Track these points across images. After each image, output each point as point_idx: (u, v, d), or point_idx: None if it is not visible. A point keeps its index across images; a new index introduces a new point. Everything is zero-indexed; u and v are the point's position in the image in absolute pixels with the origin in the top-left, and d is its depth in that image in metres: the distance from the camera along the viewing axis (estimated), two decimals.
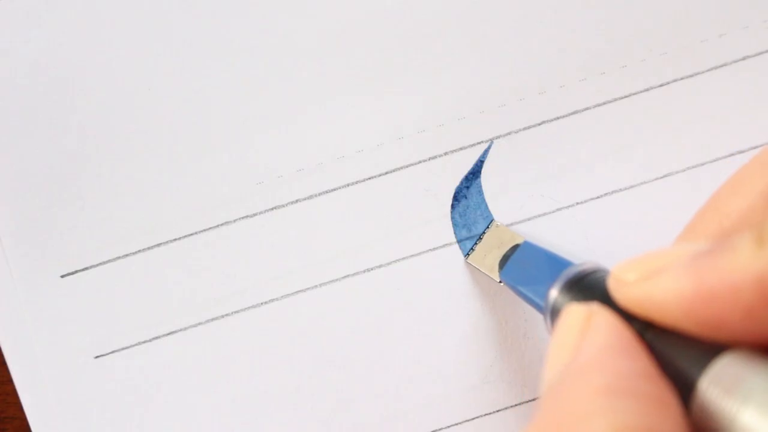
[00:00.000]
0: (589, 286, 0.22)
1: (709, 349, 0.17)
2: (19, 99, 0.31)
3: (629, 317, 0.19)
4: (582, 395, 0.17)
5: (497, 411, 0.31)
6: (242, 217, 0.31)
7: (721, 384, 0.17)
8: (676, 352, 0.18)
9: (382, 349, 0.31)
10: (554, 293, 0.22)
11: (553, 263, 0.26)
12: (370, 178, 0.31)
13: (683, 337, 0.18)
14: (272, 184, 0.31)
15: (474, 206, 0.31)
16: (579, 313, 0.20)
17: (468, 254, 0.31)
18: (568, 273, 0.23)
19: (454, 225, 0.31)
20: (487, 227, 0.30)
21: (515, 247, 0.29)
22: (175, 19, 0.31)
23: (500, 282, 0.29)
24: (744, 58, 0.30)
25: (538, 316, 0.31)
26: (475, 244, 0.30)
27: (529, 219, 0.31)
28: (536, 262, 0.27)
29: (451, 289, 0.31)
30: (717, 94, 0.30)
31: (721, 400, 0.16)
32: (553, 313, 0.22)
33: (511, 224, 0.31)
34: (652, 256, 0.19)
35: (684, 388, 0.17)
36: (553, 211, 0.31)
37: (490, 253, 0.30)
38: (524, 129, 0.31)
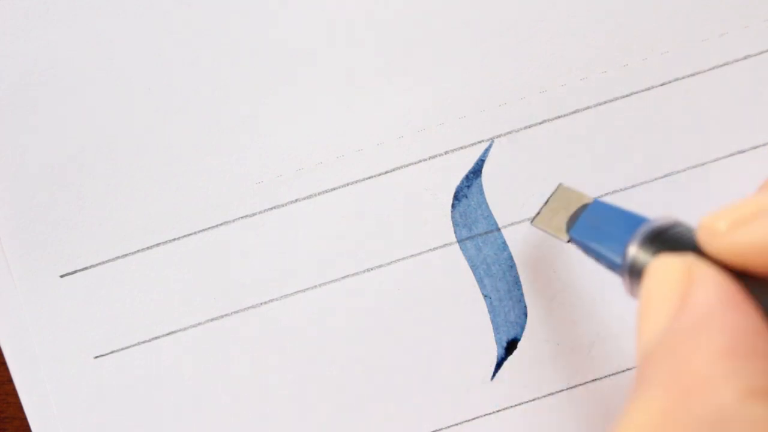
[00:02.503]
0: (671, 240, 0.20)
1: None
2: (20, 98, 0.31)
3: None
4: (702, 358, 0.16)
5: (497, 411, 0.31)
6: (242, 217, 0.31)
7: None
8: None
9: (382, 349, 0.31)
10: (633, 249, 0.21)
11: (628, 220, 0.24)
12: (370, 178, 0.31)
13: None
14: (272, 183, 0.31)
15: (475, 205, 0.31)
16: (676, 267, 0.18)
17: (534, 218, 0.29)
18: (647, 228, 0.21)
19: (455, 225, 0.31)
20: (554, 191, 0.29)
21: (584, 207, 0.27)
22: (176, 19, 0.31)
23: (568, 241, 0.27)
24: (745, 58, 0.30)
25: (538, 317, 0.30)
26: (541, 208, 0.29)
27: (529, 219, 0.31)
28: (609, 220, 0.25)
29: (451, 289, 0.31)
30: (717, 93, 0.30)
31: None
32: (632, 271, 0.21)
33: (512, 224, 0.31)
34: (741, 205, 0.18)
35: None
36: None
37: (557, 215, 0.28)
38: (525, 128, 0.31)
